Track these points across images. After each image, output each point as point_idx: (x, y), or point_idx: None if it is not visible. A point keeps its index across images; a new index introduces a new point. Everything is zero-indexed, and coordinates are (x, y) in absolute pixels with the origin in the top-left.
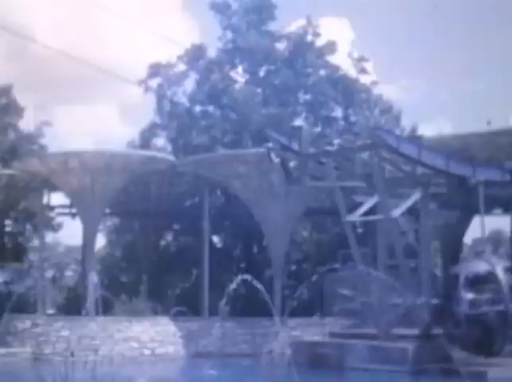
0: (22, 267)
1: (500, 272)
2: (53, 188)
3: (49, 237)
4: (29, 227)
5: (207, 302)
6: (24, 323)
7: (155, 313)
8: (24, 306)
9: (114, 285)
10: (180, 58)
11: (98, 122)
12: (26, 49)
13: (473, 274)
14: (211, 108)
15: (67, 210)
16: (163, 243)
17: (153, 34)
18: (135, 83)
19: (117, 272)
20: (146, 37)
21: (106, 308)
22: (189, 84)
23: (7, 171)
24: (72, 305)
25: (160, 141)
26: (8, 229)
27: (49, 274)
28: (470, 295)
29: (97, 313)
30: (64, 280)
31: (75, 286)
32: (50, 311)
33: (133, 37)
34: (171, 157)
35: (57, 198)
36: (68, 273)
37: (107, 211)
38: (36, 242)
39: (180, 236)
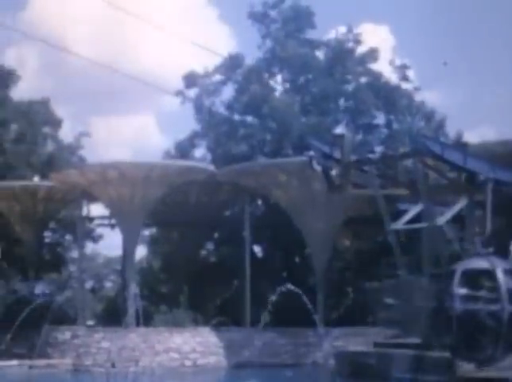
0: (61, 278)
1: (500, 272)
2: (92, 199)
3: (89, 248)
4: (68, 238)
5: (249, 311)
6: (64, 334)
7: (196, 323)
8: (63, 318)
9: (154, 296)
10: (218, 67)
11: (135, 132)
12: (62, 61)
13: (470, 270)
14: (250, 117)
15: (106, 221)
16: (203, 253)
17: (190, 44)
18: (172, 94)
19: (156, 283)
20: (183, 47)
21: (146, 319)
22: (228, 93)
23: (46, 183)
24: (112, 317)
25: (200, 151)
26: (47, 240)
27: (88, 285)
28: (463, 290)
29: (137, 324)
30: (103, 291)
31: (115, 297)
32: (90, 322)
33: (170, 47)
34: (210, 167)
35: (96, 209)
36: (107, 284)
37: (146, 221)
38: (75, 253)
39: (221, 246)
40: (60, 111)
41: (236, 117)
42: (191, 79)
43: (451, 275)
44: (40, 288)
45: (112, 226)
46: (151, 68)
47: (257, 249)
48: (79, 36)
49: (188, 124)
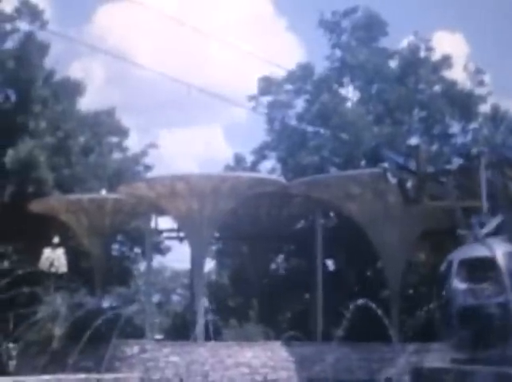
0: (129, 292)
1: (501, 258)
2: (161, 212)
3: (156, 261)
4: (135, 251)
5: (321, 326)
6: (132, 348)
7: (266, 337)
8: (131, 331)
9: (223, 309)
10: (287, 78)
11: (202, 144)
12: (128, 73)
13: (468, 260)
14: (321, 128)
15: (174, 234)
16: (273, 266)
17: (257, 54)
18: (239, 105)
19: (225, 296)
20: (249, 58)
21: (215, 333)
22: (298, 104)
23: (114, 195)
24: (180, 330)
25: (270, 162)
26: (114, 253)
27: (156, 298)
28: (463, 285)
29: (207, 339)
30: (170, 305)
31: (183, 311)
32: (158, 336)
33: (236, 57)
34: (281, 179)
35: (165, 222)
36: (175, 297)
37: (216, 235)
38: (142, 266)
39: (291, 259)
40: (126, 122)
41: (307, 128)
42: (261, 90)
43: (448, 267)
44: (107, 302)
45: (180, 239)
46: (218, 79)
47: (328, 262)
48: (145, 48)
49: (256, 136)
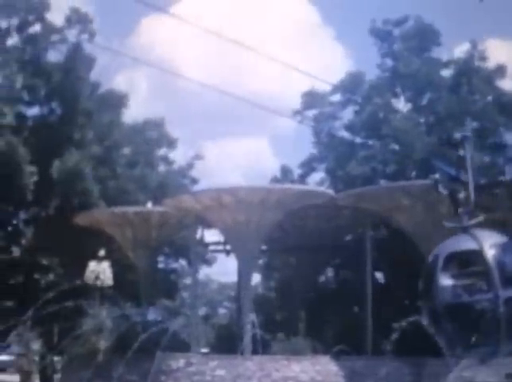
0: (174, 305)
1: (489, 251)
2: (207, 224)
3: (202, 274)
4: (181, 264)
5: (370, 339)
6: (177, 362)
7: (315, 351)
8: (177, 345)
9: (270, 323)
10: (336, 88)
11: (248, 155)
12: (173, 85)
13: (455, 254)
14: (370, 138)
15: (221, 247)
16: (322, 279)
17: (303, 65)
18: (286, 116)
19: (272, 310)
20: (295, 69)
21: (262, 347)
22: (347, 114)
23: (159, 208)
24: (226, 344)
25: (318, 174)
26: (160, 266)
27: (202, 311)
28: (449, 281)
29: (254, 352)
30: (216, 318)
31: (230, 324)
32: (204, 349)
33: (282, 68)
34: (329, 191)
35: (211, 235)
36: (221, 310)
37: (263, 247)
38: (188, 279)
39: (340, 272)
40: (171, 133)
41: (356, 138)
42: (309, 100)
43: (434, 262)
44: (152, 315)
45: (227, 252)
46: (264, 91)
47: (378, 275)
48: (189, 60)
49: (303, 147)
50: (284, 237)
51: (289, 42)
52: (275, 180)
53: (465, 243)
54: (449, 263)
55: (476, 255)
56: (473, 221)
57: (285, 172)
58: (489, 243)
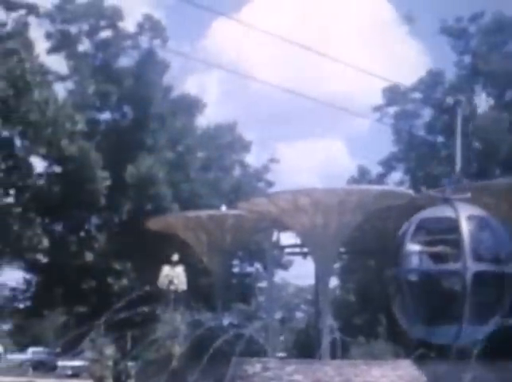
0: (250, 309)
1: (464, 220)
2: (283, 227)
3: (278, 277)
4: (256, 268)
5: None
6: (254, 367)
7: (396, 355)
8: (253, 349)
9: (349, 326)
10: (414, 86)
11: (323, 156)
12: (245, 87)
13: (427, 221)
14: (452, 137)
15: (297, 250)
16: None
17: (378, 63)
18: (362, 115)
19: (351, 313)
20: (371, 68)
21: (341, 351)
22: (425, 113)
23: (234, 211)
24: (304, 348)
25: (397, 174)
26: (235, 270)
27: (278, 315)
28: (416, 247)
29: (332, 357)
30: (293, 322)
31: (307, 328)
32: (281, 354)
33: (357, 68)
34: (410, 191)
35: (287, 238)
36: (298, 314)
37: (341, 250)
38: (263, 283)
39: None
40: (245, 136)
41: (437, 137)
42: (390, 96)
43: (407, 228)
44: (228, 319)
45: (304, 255)
46: (337, 91)
47: None
48: (261, 62)
49: (379, 147)
50: (363, 239)
51: (364, 40)
52: (352, 180)
53: (442, 211)
54: (421, 229)
55: (450, 223)
56: (460, 195)
57: (363, 172)
58: (466, 214)
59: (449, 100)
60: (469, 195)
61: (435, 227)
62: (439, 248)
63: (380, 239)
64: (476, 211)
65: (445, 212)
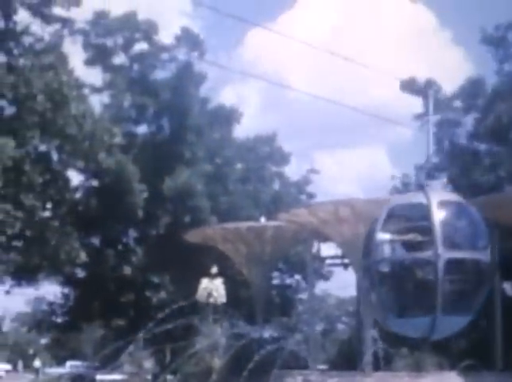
0: (291, 321)
1: (436, 206)
2: (323, 238)
3: (318, 289)
4: (297, 279)
5: (500, 354)
6: (295, 379)
7: (441, 367)
8: (294, 362)
9: (392, 337)
10: (456, 94)
11: (364, 166)
12: (282, 97)
13: (398, 208)
14: (495, 145)
15: (338, 261)
16: None
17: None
18: (404, 124)
19: None
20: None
21: (384, 363)
22: (467, 121)
23: (273, 223)
24: (346, 360)
25: (439, 183)
26: (275, 282)
27: (319, 327)
28: (387, 235)
29: (375, 369)
30: (335, 333)
31: (349, 340)
32: (322, 366)
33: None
34: None
35: (327, 248)
36: (340, 326)
37: None
38: (304, 294)
39: None
40: (284, 147)
41: (479, 145)
42: (428, 108)
43: (379, 216)
44: (268, 332)
45: (345, 266)
46: (378, 100)
47: (507, 286)
48: (299, 71)
49: (422, 156)
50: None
51: (405, 48)
52: (395, 190)
53: (414, 198)
54: (393, 217)
55: (422, 210)
56: (435, 182)
57: (405, 182)
58: (438, 200)
59: (490, 108)
60: (444, 180)
61: (406, 214)
62: (410, 236)
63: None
64: (450, 197)
65: (417, 198)
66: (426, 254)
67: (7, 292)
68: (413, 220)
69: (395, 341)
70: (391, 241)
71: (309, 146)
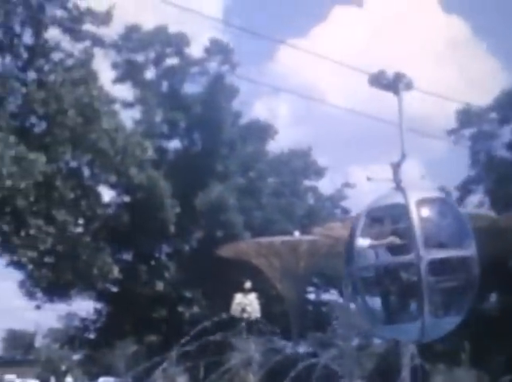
0: (326, 336)
1: (414, 205)
2: None
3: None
4: (332, 294)
5: None
6: None
7: None
8: (330, 377)
9: (430, 352)
10: (491, 106)
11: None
12: (315, 111)
13: (376, 210)
14: None
15: None
16: (486, 305)
17: (455, 82)
18: (439, 137)
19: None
20: (448, 86)
21: (422, 378)
22: (504, 133)
23: (308, 237)
24: (383, 375)
25: (477, 196)
26: (310, 296)
27: (355, 342)
28: (367, 241)
29: None
30: (371, 348)
31: (386, 355)
32: (358, 381)
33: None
34: (491, 213)
35: None
36: (376, 340)
37: None
38: (339, 309)
39: (506, 297)
40: (319, 162)
41: None
42: (464, 118)
43: (357, 221)
44: (303, 347)
45: None
46: (413, 113)
47: None
48: (330, 84)
49: (458, 169)
50: None
51: (439, 60)
52: None
53: (391, 198)
54: (372, 220)
55: (401, 210)
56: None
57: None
58: (417, 198)
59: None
60: (423, 176)
61: (386, 216)
62: (389, 240)
63: None
64: (430, 194)
65: (394, 198)
66: (408, 257)
67: (39, 307)
68: (393, 222)
69: (433, 356)
70: (372, 246)
71: (343, 160)
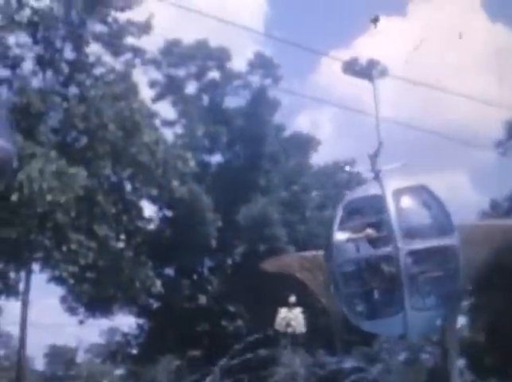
0: (372, 351)
1: (391, 196)
2: None
3: None
4: None
5: None
6: None
7: None
8: None
9: (480, 367)
10: None
11: (444, 191)
12: (358, 123)
13: (354, 203)
14: None
15: None
16: None
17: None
18: (486, 148)
19: (482, 353)
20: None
21: None
22: None
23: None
24: None
25: None
26: None
27: (402, 356)
28: (345, 235)
29: None
30: (418, 363)
31: (434, 370)
32: None
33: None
34: None
35: None
36: (423, 355)
37: (468, 287)
38: None
39: None
40: (363, 175)
41: None
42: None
43: (335, 214)
44: (349, 362)
45: None
46: (460, 123)
47: None
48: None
49: (508, 180)
50: (491, 275)
51: (485, 70)
52: (482, 214)
53: (369, 189)
54: (349, 213)
55: (379, 201)
56: (387, 167)
57: (494, 206)
58: (393, 188)
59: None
60: (399, 165)
61: (363, 208)
62: (366, 232)
63: (505, 274)
64: (408, 183)
65: (371, 189)
66: (386, 249)
67: (81, 322)
68: (371, 214)
69: (484, 371)
70: (349, 240)
71: (388, 171)
